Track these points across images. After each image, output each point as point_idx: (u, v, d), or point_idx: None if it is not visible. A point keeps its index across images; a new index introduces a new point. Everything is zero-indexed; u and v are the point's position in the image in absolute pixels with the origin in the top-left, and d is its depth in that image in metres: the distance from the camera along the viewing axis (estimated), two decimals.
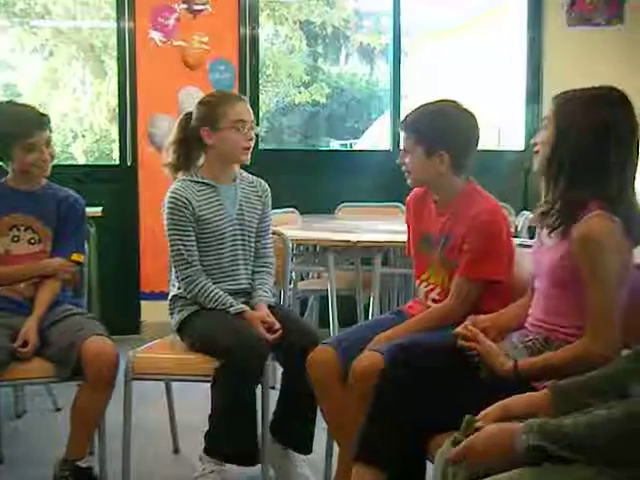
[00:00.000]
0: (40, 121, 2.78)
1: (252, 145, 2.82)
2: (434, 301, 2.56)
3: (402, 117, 2.63)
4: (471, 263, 2.44)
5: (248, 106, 2.85)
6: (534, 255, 2.18)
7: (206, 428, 2.65)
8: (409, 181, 2.57)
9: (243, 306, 2.76)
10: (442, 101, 2.55)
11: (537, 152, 2.12)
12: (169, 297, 2.90)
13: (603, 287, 1.94)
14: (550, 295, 2.09)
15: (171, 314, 2.87)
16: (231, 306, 2.74)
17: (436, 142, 2.45)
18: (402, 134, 2.55)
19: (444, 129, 2.46)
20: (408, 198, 2.71)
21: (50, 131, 2.80)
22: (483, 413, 1.69)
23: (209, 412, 2.63)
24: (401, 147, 2.58)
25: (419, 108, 2.52)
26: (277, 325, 2.70)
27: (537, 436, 1.50)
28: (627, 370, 1.65)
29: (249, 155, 2.83)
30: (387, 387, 2.09)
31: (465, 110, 2.51)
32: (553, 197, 2.05)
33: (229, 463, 2.64)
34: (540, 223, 2.15)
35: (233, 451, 2.61)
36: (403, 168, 2.55)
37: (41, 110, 2.85)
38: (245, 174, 2.95)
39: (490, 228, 2.44)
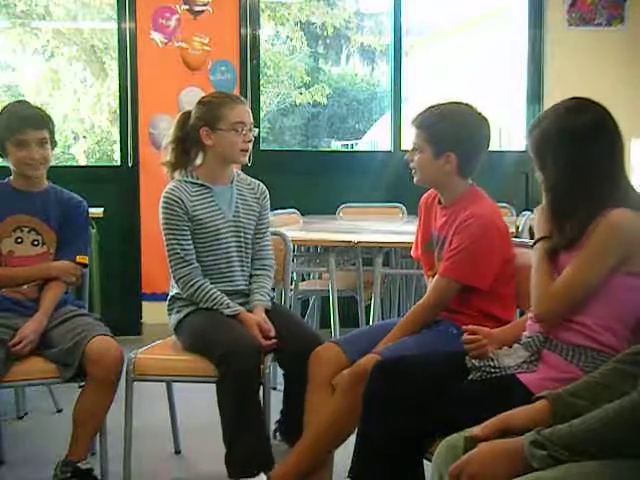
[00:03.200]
0: (37, 121, 2.76)
1: (250, 147, 2.83)
2: None
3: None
4: (449, 263, 2.43)
5: (248, 108, 2.86)
6: None
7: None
8: (415, 180, 2.55)
9: (240, 307, 2.75)
10: (456, 103, 2.53)
11: (546, 192, 2.07)
12: (168, 297, 2.90)
13: (590, 265, 1.91)
14: None
15: (169, 314, 2.87)
16: (227, 307, 2.73)
17: (445, 142, 2.44)
18: (413, 131, 2.52)
19: (455, 131, 2.44)
20: (421, 201, 2.69)
21: (50, 134, 2.78)
22: (483, 425, 1.66)
23: (220, 425, 2.55)
24: (411, 145, 2.55)
25: (432, 107, 2.50)
26: (272, 333, 2.68)
27: (536, 438, 1.51)
28: (621, 374, 1.64)
29: (247, 156, 2.84)
30: (372, 401, 2.09)
31: (478, 114, 2.49)
32: (571, 221, 2.00)
33: (248, 477, 2.53)
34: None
35: (249, 459, 2.53)
36: (410, 165, 2.53)
37: (47, 113, 2.84)
38: (243, 176, 2.95)
39: (474, 231, 2.40)
